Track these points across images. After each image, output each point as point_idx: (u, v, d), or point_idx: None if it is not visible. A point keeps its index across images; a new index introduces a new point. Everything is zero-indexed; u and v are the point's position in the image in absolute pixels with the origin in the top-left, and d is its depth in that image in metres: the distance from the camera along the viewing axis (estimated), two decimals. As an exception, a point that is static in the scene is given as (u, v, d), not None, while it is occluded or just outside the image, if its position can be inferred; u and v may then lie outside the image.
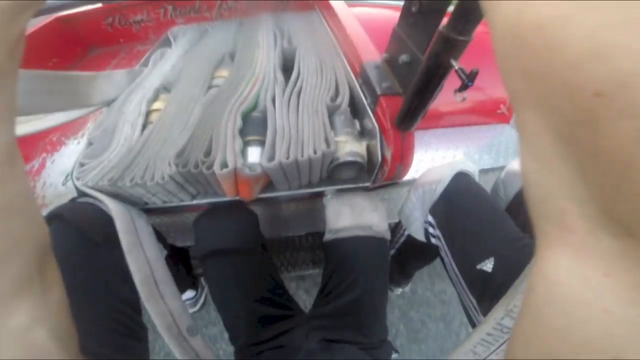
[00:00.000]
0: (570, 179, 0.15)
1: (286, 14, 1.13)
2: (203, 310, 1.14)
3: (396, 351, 0.66)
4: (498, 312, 0.39)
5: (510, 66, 0.16)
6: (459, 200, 0.62)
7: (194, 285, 1.05)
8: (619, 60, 0.12)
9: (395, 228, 0.87)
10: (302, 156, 0.56)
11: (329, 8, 1.00)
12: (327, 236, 0.67)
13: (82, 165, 0.61)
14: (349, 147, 0.60)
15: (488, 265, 0.55)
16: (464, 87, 0.38)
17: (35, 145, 0.90)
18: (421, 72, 0.45)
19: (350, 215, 0.65)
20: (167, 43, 1.06)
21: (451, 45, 0.39)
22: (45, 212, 0.65)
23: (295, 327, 0.63)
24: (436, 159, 0.85)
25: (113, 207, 0.56)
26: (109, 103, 0.74)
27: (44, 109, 0.62)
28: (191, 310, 1.08)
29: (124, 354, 0.53)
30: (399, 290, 1.12)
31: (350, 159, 0.59)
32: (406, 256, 0.92)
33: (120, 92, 0.75)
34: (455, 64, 0.39)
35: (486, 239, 0.58)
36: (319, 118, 0.62)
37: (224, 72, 0.79)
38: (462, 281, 0.60)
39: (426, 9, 0.49)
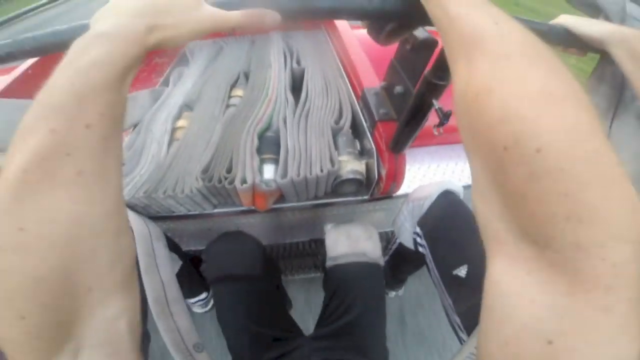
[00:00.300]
0: (499, 207, 0.21)
1: (295, 33, 1.22)
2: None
3: None
4: None
5: (461, 123, 0.24)
6: (443, 215, 0.69)
7: (207, 288, 1.12)
8: (516, 124, 0.19)
9: (390, 237, 0.94)
10: (311, 174, 0.64)
11: (335, 30, 1.08)
12: (328, 263, 0.74)
13: None
14: (350, 166, 0.68)
15: (462, 272, 0.62)
16: (441, 124, 0.45)
17: None
18: (409, 107, 0.53)
19: (346, 244, 0.72)
20: (184, 60, 1.14)
21: (433, 88, 0.47)
22: None
23: (297, 348, 0.66)
24: (427, 174, 0.92)
25: (136, 230, 0.64)
26: (134, 124, 0.82)
27: None
28: (202, 311, 1.15)
29: None
30: (392, 294, 1.19)
31: (351, 176, 0.68)
32: (398, 262, 1.00)
33: (145, 112, 0.84)
34: (436, 104, 0.47)
35: (463, 249, 0.65)
36: (324, 139, 0.71)
37: (239, 92, 0.88)
38: (442, 284, 0.67)
39: (417, 48, 0.56)
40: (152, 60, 1.45)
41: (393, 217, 0.86)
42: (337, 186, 0.71)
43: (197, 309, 1.15)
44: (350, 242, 0.71)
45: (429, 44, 0.52)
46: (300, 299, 1.20)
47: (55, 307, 0.21)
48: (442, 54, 0.43)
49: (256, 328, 0.65)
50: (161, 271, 0.65)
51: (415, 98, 0.50)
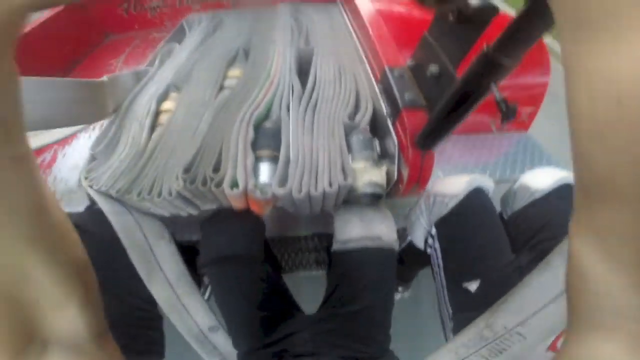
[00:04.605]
0: None
1: (305, 7, 1.04)
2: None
3: None
4: (479, 324, 0.42)
5: (614, 144, 0.12)
6: (467, 222, 0.60)
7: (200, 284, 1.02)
8: None
9: (399, 235, 0.82)
10: (316, 190, 0.50)
11: (351, 2, 0.91)
12: (335, 246, 0.62)
13: (87, 178, 0.57)
14: (368, 177, 0.53)
15: (473, 286, 0.56)
16: (506, 119, 0.32)
17: None
18: (454, 91, 0.39)
19: (359, 226, 0.60)
20: (180, 34, 0.99)
21: (495, 69, 0.32)
22: None
23: (298, 332, 0.60)
24: (450, 168, 0.78)
25: (126, 237, 0.54)
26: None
27: (72, 121, 0.59)
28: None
29: (141, 342, 0.56)
30: (397, 296, 1.06)
31: (369, 190, 0.53)
32: (406, 261, 0.88)
33: (127, 95, 0.69)
34: (496, 91, 0.33)
35: (478, 262, 0.58)
36: (335, 141, 0.55)
37: (236, 72, 0.73)
38: (445, 292, 0.61)
39: (466, 18, 0.42)
40: (149, 35, 1.30)
41: (405, 212, 0.74)
42: (350, 200, 0.57)
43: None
44: (364, 224, 0.60)
45: (486, 13, 0.37)
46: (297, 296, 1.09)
47: (7, 317, 0.21)
48: (518, 22, 0.29)
49: (255, 312, 0.59)
50: (166, 271, 0.59)
51: (465, 81, 0.36)
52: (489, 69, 0.33)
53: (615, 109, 0.12)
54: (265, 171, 0.54)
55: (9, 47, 0.17)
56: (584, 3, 0.12)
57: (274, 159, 0.54)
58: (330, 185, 0.50)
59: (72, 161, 0.79)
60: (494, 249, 0.58)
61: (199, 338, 0.63)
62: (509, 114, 0.31)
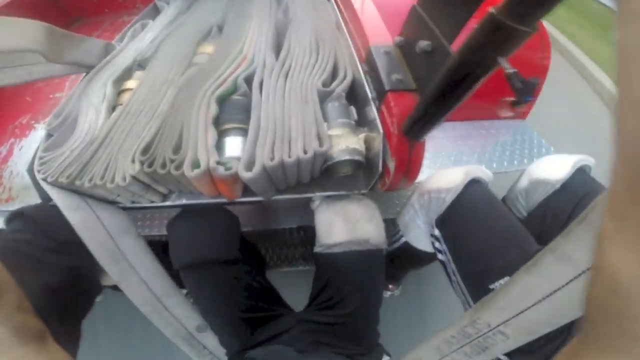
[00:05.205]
0: None
1: None
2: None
3: (388, 354, 0.60)
4: (464, 320, 0.41)
5: None
6: (471, 214, 0.54)
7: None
8: None
9: (391, 228, 0.76)
10: (290, 157, 0.45)
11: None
12: (318, 249, 0.57)
13: (41, 159, 0.50)
14: (345, 143, 0.48)
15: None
16: (520, 101, 0.25)
17: (4, 129, 0.77)
18: (450, 67, 0.32)
19: (344, 229, 0.54)
20: (153, 13, 0.90)
21: (504, 37, 0.26)
22: (11, 206, 0.60)
23: (286, 331, 0.57)
24: (443, 157, 0.72)
25: (92, 244, 0.48)
26: (80, 68, 0.61)
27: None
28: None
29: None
30: (387, 294, 1.02)
31: (347, 157, 0.48)
32: (398, 262, 0.82)
33: (92, 61, 0.62)
34: (505, 64, 0.26)
35: (501, 257, 0.50)
36: (309, 107, 0.50)
37: (208, 48, 0.65)
38: (470, 298, 0.54)
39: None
40: (119, 18, 1.19)
41: (394, 203, 0.68)
42: (328, 169, 0.51)
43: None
44: (348, 225, 0.54)
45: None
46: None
47: None
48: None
49: (237, 315, 0.56)
50: (139, 270, 0.53)
51: (465, 53, 0.29)
52: (497, 38, 0.26)
53: None
54: (231, 145, 0.48)
55: None
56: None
57: (242, 131, 0.49)
58: (305, 152, 0.45)
59: (30, 154, 0.71)
60: (513, 240, 0.52)
61: (187, 340, 0.60)
62: (527, 91, 0.24)
